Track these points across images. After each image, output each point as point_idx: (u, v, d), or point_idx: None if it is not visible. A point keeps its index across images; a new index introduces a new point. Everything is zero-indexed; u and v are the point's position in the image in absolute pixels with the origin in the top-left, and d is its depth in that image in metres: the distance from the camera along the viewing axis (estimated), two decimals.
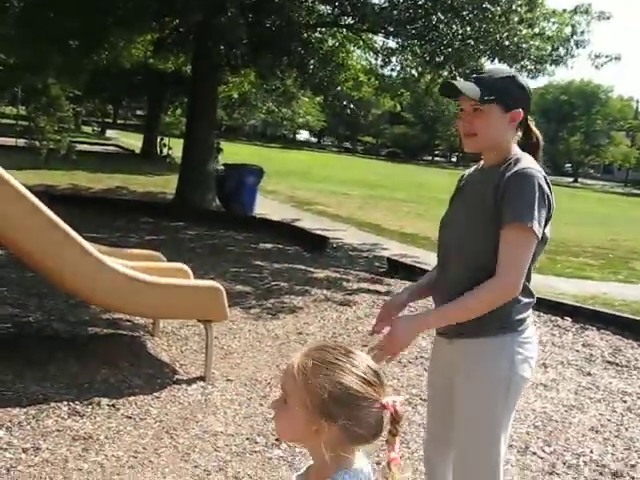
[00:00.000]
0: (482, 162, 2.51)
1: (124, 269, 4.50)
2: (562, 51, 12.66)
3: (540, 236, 2.26)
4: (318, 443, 1.44)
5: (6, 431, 3.75)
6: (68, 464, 3.48)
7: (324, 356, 1.46)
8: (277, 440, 3.89)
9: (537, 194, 2.24)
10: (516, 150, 2.40)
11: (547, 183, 2.29)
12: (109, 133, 47.08)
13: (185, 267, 5.45)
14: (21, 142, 20.54)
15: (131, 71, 22.72)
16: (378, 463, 1.52)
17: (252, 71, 16.13)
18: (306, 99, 30.18)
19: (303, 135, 77.68)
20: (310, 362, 1.45)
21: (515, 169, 2.29)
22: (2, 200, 4.16)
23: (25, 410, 4.02)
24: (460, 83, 2.39)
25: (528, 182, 2.25)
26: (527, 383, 2.46)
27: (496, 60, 12.38)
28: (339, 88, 15.70)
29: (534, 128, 2.49)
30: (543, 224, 2.27)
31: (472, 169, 2.61)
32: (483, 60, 12.75)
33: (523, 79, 2.44)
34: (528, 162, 2.33)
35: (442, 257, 2.52)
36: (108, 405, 4.21)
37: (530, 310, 2.40)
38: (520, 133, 2.44)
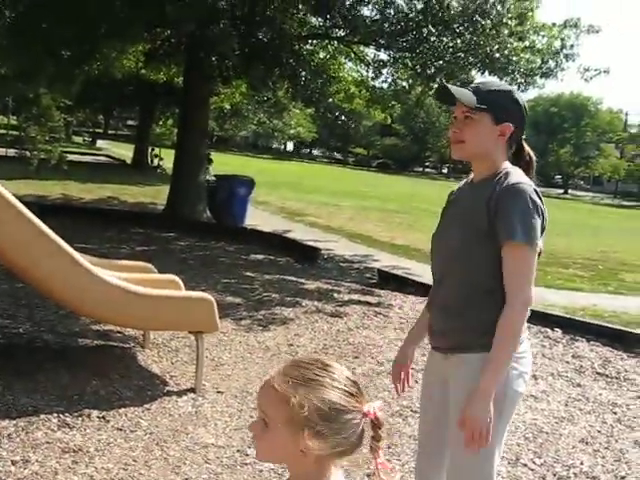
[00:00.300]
0: (472, 175, 2.53)
1: (115, 280, 4.49)
2: (552, 64, 12.76)
3: (539, 249, 2.29)
4: (303, 461, 1.43)
5: None
6: (58, 476, 3.46)
7: (303, 373, 1.44)
8: None
9: (530, 208, 2.27)
10: (506, 164, 2.41)
11: (538, 195, 2.32)
12: (100, 143, 47.03)
13: (176, 278, 5.44)
14: (11, 152, 20.50)
15: (122, 81, 22.69)
16: (369, 475, 1.53)
17: (244, 82, 16.17)
18: (297, 111, 30.28)
19: (288, 146, 77.92)
20: (290, 381, 1.42)
21: (505, 184, 2.31)
22: None
23: (14, 422, 3.99)
24: (454, 88, 2.40)
25: (520, 197, 2.28)
26: (521, 397, 2.46)
27: (486, 73, 12.47)
28: (330, 100, 15.77)
29: (527, 147, 2.51)
30: (539, 236, 2.29)
31: (462, 183, 2.62)
32: (474, 72, 12.86)
33: (520, 96, 2.45)
34: (518, 176, 2.35)
35: (436, 271, 2.53)
36: (98, 417, 4.19)
37: (525, 325, 2.40)
38: (512, 151, 2.45)
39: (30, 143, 18.43)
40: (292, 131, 58.95)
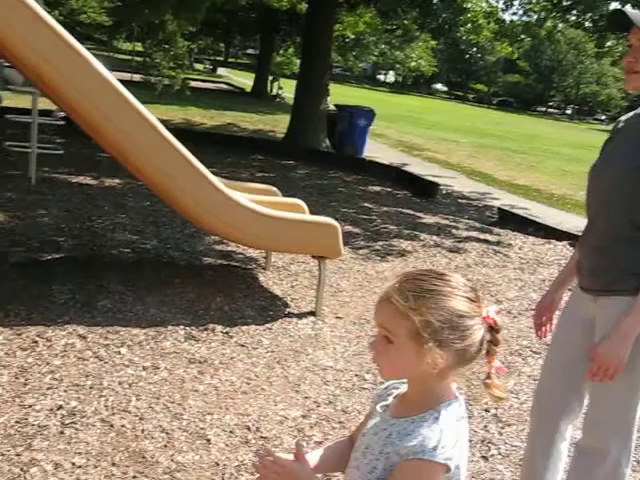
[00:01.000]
0: None
1: (247, 202, 4.54)
2: None
3: None
4: (427, 374, 1.41)
5: (128, 349, 3.92)
6: (185, 384, 3.61)
7: (421, 285, 1.40)
8: None
9: None
10: None
11: None
12: (220, 71, 47.63)
13: (301, 203, 5.44)
14: (136, 77, 21.04)
15: (246, 8, 22.79)
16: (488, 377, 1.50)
17: (369, 11, 15.84)
18: (420, 43, 29.59)
19: (406, 80, 76.15)
20: (408, 295, 1.38)
21: None
22: (139, 134, 4.28)
23: (145, 331, 4.18)
24: (631, 11, 2.15)
25: None
26: None
27: (628, 5, 11.64)
28: (462, 29, 15.21)
29: None
30: None
31: (631, 114, 2.39)
32: (614, 4, 12.05)
33: None
34: None
35: (591, 208, 2.37)
36: (222, 332, 4.32)
37: None
38: None
39: (155, 69, 18.83)
40: (413, 64, 57.73)
